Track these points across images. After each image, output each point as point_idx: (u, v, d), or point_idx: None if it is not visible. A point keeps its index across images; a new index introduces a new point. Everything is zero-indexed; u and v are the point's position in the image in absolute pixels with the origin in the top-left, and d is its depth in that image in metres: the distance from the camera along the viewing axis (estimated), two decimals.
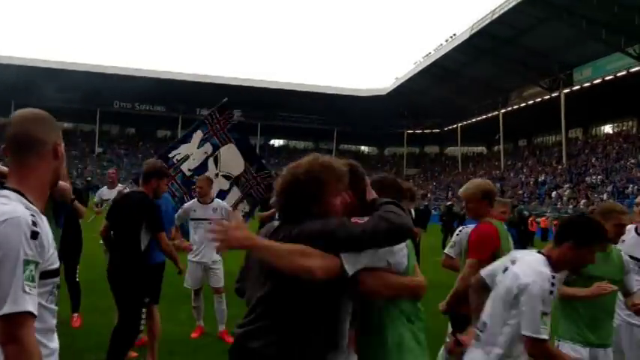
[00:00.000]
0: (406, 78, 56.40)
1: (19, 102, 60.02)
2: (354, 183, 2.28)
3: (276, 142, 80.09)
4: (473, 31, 42.14)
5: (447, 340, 3.79)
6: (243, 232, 1.98)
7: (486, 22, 40.10)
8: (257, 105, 64.21)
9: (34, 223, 1.65)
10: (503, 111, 52.30)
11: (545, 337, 2.56)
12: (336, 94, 61.99)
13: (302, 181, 2.16)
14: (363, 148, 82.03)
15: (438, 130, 69.28)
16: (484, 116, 56.51)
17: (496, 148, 59.11)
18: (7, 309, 1.53)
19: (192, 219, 6.31)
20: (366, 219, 2.11)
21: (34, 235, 1.63)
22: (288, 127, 70.89)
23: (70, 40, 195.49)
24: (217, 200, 6.54)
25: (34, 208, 1.72)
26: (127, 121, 69.88)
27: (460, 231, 4.67)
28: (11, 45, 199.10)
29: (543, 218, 29.34)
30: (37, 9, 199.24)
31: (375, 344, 2.24)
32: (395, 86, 59.16)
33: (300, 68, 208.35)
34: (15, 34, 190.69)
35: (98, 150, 64.00)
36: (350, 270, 2.04)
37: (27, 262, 1.59)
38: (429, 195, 52.21)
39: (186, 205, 6.51)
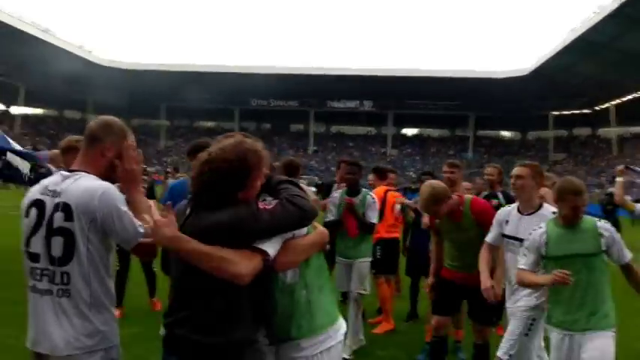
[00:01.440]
0: (549, 56, 51.54)
1: (168, 105, 66.12)
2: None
3: (409, 132, 78.29)
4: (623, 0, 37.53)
5: None
6: (171, 230, 2.03)
7: None
8: (387, 94, 63.29)
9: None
10: None
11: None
12: (471, 78, 58.61)
13: (231, 167, 2.08)
14: (503, 133, 76.88)
15: (588, 111, 62.74)
16: None
17: None
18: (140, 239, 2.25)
19: None
20: (271, 202, 2.12)
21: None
22: (420, 115, 68.89)
23: (209, 45, 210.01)
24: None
25: None
26: (263, 117, 73.07)
27: None
28: (155, 53, 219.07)
29: None
30: (174, 17, 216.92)
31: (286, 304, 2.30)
32: (537, 66, 54.42)
33: (431, 54, 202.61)
34: (158, 43, 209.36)
35: None
36: (272, 255, 2.09)
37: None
38: None
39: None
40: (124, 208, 2.24)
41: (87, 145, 2.37)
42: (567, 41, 47.67)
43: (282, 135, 72.80)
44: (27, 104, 63.52)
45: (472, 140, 67.34)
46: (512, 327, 3.87)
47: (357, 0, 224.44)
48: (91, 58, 58.81)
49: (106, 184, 2.26)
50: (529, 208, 3.96)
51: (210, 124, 76.54)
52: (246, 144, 2.16)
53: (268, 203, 2.10)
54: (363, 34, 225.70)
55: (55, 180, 2.31)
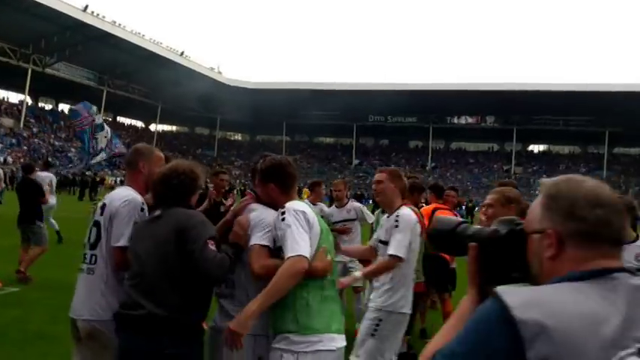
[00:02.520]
0: None
1: (288, 122, 68.54)
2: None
3: (536, 148, 73.79)
4: None
5: None
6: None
7: None
8: (511, 109, 60.32)
9: (143, 203, 2.90)
10: None
11: None
12: (606, 92, 53.70)
13: (184, 177, 2.76)
14: None
15: None
16: None
17: None
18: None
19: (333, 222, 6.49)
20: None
21: (142, 209, 2.87)
22: (548, 131, 64.65)
23: (328, 63, 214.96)
24: (352, 202, 6.93)
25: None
26: (380, 133, 73.03)
27: None
28: (278, 72, 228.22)
29: None
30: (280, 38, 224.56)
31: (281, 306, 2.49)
32: None
33: (559, 66, 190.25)
34: (282, 62, 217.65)
35: (355, 162, 68.09)
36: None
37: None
38: None
39: (326, 210, 6.80)
40: (131, 214, 2.84)
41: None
42: None
43: (400, 151, 72.19)
44: (162, 122, 69.26)
45: (607, 157, 61.80)
46: (361, 327, 3.82)
47: (479, 14, 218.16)
48: (220, 79, 62.81)
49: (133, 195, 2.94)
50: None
51: (328, 140, 78.12)
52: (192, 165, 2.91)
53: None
54: (483, 48, 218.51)
55: None
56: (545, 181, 1.19)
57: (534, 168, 66.02)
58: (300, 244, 2.45)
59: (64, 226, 11.53)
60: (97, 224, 2.89)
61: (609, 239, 1.06)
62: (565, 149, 71.38)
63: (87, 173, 38.10)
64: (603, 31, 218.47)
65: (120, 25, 49.80)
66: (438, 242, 1.49)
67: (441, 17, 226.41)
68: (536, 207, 1.14)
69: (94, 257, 2.84)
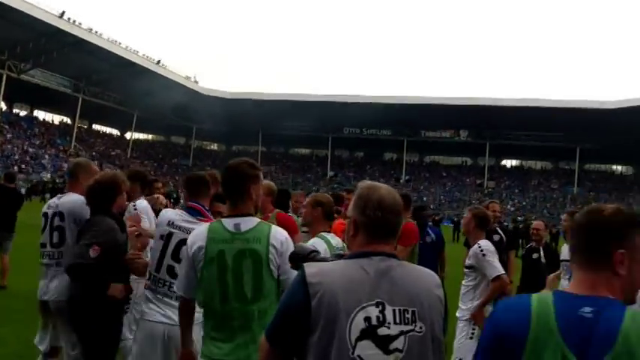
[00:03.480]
0: None
1: (264, 132, 68.80)
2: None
3: (509, 163, 75.13)
4: None
5: None
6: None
7: None
8: (484, 124, 61.26)
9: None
10: None
11: None
12: (579, 108, 54.79)
13: (105, 187, 3.44)
14: (615, 167, 71.36)
15: None
16: None
17: None
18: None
19: None
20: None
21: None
22: (521, 146, 65.54)
23: (305, 74, 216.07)
24: None
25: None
26: (355, 145, 73.62)
27: None
28: (254, 82, 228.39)
29: None
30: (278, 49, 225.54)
31: None
32: None
33: (532, 82, 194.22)
34: (257, 73, 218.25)
35: (330, 173, 68.59)
36: None
37: None
38: None
39: None
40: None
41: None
42: None
43: (374, 163, 72.79)
44: (138, 130, 68.91)
45: (578, 173, 63.20)
46: (457, 332, 4.72)
47: (452, 29, 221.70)
48: (196, 88, 62.82)
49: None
50: None
51: (304, 151, 78.45)
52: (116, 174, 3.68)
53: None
54: (457, 62, 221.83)
55: None
56: (360, 184, 1.83)
57: (507, 183, 67.22)
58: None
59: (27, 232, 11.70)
60: (59, 228, 3.68)
61: (382, 232, 1.69)
62: (538, 164, 72.47)
63: (57, 181, 37.87)
64: (577, 48, 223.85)
65: (96, 32, 49.68)
66: (295, 263, 2.16)
67: (418, 30, 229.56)
68: (352, 201, 1.77)
69: (60, 254, 3.65)
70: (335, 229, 4.02)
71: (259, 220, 2.57)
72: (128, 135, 70.73)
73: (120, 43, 52.53)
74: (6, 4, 40.11)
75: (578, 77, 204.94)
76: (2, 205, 8.20)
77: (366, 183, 1.79)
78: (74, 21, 47.21)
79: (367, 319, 1.56)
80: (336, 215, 4.32)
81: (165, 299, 3.04)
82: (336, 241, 3.65)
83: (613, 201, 56.46)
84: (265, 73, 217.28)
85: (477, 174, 68.46)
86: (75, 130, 58.36)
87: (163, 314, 3.03)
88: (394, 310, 1.58)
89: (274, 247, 2.45)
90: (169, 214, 3.22)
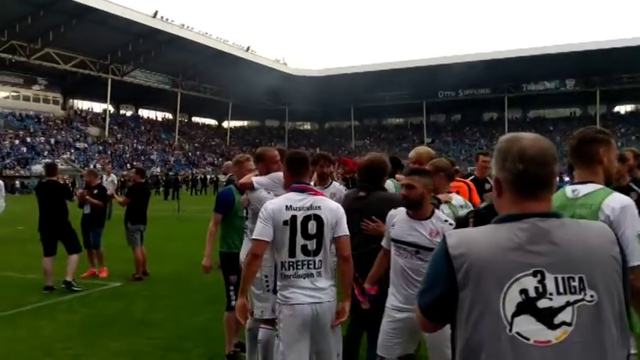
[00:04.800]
0: None
1: (356, 107, 68.30)
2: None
3: (622, 109, 69.03)
4: None
5: None
6: None
7: None
8: (592, 70, 56.60)
9: None
10: None
11: None
12: None
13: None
14: None
15: None
16: None
17: None
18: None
19: None
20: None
21: None
22: (635, 90, 59.97)
23: (390, 43, 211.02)
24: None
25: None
26: (451, 108, 71.10)
27: None
28: (342, 57, 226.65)
29: None
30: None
31: None
32: None
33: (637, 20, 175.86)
34: (343, 47, 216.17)
35: (427, 140, 66.84)
36: None
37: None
38: None
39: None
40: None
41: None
42: None
43: (473, 125, 70.00)
44: (234, 118, 71.19)
45: None
46: None
47: None
48: (285, 70, 63.55)
49: None
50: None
51: (397, 120, 77.11)
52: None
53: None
54: (554, 9, 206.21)
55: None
56: (501, 137, 1.55)
57: (622, 130, 61.88)
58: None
59: (152, 224, 12.18)
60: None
61: (530, 187, 1.42)
62: None
63: (169, 173, 39.93)
64: None
65: (188, 27, 51.55)
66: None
67: None
68: (493, 158, 1.52)
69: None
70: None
71: (601, 186, 2.44)
72: (225, 124, 73.34)
73: (210, 35, 54.22)
74: (103, 11, 42.64)
75: None
76: (138, 200, 8.51)
77: (506, 135, 1.52)
78: (167, 19, 49.26)
79: (524, 291, 1.34)
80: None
81: (308, 279, 3.08)
82: (456, 200, 3.79)
83: None
84: (352, 47, 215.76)
85: (588, 124, 62.53)
86: (177, 125, 61.37)
87: (309, 295, 3.06)
88: (556, 279, 1.35)
89: (604, 213, 2.32)
90: (279, 200, 3.21)
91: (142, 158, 51.81)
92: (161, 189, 35.09)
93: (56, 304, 6.63)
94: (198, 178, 42.31)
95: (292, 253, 3.08)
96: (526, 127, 67.61)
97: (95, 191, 8.49)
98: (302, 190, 3.20)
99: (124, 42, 48.92)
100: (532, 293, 1.33)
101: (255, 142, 70.27)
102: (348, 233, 3.18)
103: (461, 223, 2.47)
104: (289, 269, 3.08)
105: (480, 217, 2.16)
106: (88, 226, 8.44)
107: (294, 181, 3.26)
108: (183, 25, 51.05)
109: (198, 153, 60.58)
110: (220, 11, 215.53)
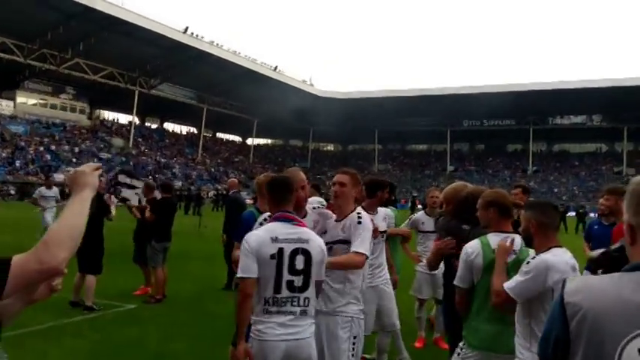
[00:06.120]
0: None
1: (380, 130, 68.11)
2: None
3: None
4: None
5: None
6: None
7: None
8: (621, 106, 55.78)
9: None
10: None
11: None
12: None
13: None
14: None
15: None
16: None
17: None
18: None
19: (420, 231, 6.14)
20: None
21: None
22: None
23: (417, 69, 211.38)
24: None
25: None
26: (476, 138, 70.52)
27: None
28: (367, 81, 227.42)
29: None
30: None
31: None
32: None
33: None
34: (371, 71, 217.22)
35: (450, 168, 66.21)
36: None
37: None
38: None
39: (414, 217, 6.33)
40: None
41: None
42: None
43: (497, 156, 69.23)
44: (258, 135, 71.51)
45: None
46: None
47: (573, 7, 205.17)
48: (312, 91, 63.81)
49: None
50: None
51: (421, 146, 76.68)
52: None
53: None
54: (583, 43, 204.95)
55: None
56: (633, 179, 1.35)
57: None
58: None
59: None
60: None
61: None
62: None
63: (191, 188, 39.97)
64: None
65: (217, 44, 52.11)
66: None
67: (533, 14, 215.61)
68: (625, 201, 1.34)
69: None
70: None
71: None
72: (249, 141, 73.68)
73: (239, 53, 54.68)
74: (134, 24, 43.33)
75: None
76: (164, 215, 8.19)
77: (638, 177, 1.33)
78: (197, 35, 49.87)
79: None
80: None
81: (289, 316, 2.91)
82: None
83: None
84: (377, 71, 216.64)
85: (615, 161, 62.51)
86: (201, 140, 61.77)
87: (285, 332, 2.89)
88: None
89: None
90: (262, 232, 2.98)
91: (165, 171, 52.08)
92: (182, 203, 35.01)
93: (65, 327, 6.29)
94: (220, 194, 42.19)
95: (278, 289, 2.88)
96: (550, 160, 66.72)
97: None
98: (287, 220, 2.98)
99: (153, 55, 49.57)
100: None
101: (278, 160, 70.35)
102: (324, 279, 3.09)
103: (593, 264, 2.26)
104: (273, 305, 2.88)
105: (612, 260, 1.95)
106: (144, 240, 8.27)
107: (278, 209, 3.03)
108: (212, 42, 51.66)
109: (221, 169, 60.78)
110: (251, 31, 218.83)
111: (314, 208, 3.81)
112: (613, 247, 1.96)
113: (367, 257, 3.44)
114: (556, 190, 57.21)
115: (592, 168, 63.13)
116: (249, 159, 67.99)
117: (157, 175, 48.49)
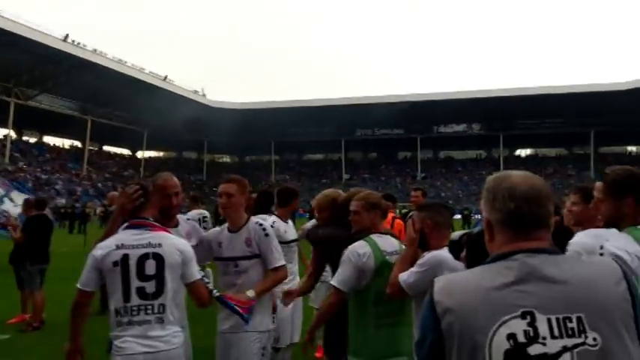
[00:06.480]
0: None
1: (277, 141, 68.43)
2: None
3: (523, 152, 74.36)
4: None
5: None
6: None
7: None
8: (496, 116, 60.73)
9: None
10: None
11: None
12: (588, 92, 54.31)
13: None
14: (630, 148, 70.61)
15: None
16: None
17: None
18: None
19: None
20: None
21: None
22: (534, 135, 65.30)
23: (313, 79, 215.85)
24: None
25: None
26: (369, 146, 73.17)
27: None
28: (262, 91, 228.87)
29: None
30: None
31: None
32: None
33: (535, 70, 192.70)
34: (264, 81, 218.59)
35: (345, 177, 67.99)
36: None
37: None
38: None
39: (305, 226, 5.92)
40: None
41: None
42: None
43: (389, 163, 72.29)
44: (149, 148, 68.77)
45: (594, 157, 62.28)
46: None
47: (454, 24, 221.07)
48: (205, 102, 62.54)
49: None
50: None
51: (317, 156, 78.06)
52: None
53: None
54: (465, 56, 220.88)
55: None
56: (489, 177, 1.44)
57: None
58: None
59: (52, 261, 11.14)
60: None
61: (522, 226, 1.30)
62: (552, 151, 71.89)
63: (76, 205, 37.48)
64: (581, 32, 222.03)
65: (100, 52, 49.50)
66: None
67: (423, 27, 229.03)
68: (482, 199, 1.40)
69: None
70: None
71: None
72: (139, 154, 70.59)
73: (125, 62, 52.36)
74: (9, 31, 39.97)
75: (585, 62, 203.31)
76: (37, 235, 7.54)
77: (494, 174, 1.41)
78: (78, 43, 47.05)
79: (511, 336, 1.19)
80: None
81: (144, 326, 2.73)
82: (389, 243, 3.24)
83: None
84: (269, 82, 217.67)
85: (493, 166, 67.68)
86: (86, 153, 58.17)
87: (143, 344, 2.72)
88: (549, 320, 1.19)
89: None
90: (110, 241, 2.85)
91: (46, 188, 48.35)
92: (66, 222, 32.77)
93: None
94: (108, 210, 39.99)
95: (127, 298, 2.74)
96: (437, 166, 70.85)
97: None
98: (139, 227, 2.86)
99: (29, 64, 45.93)
100: (521, 338, 1.17)
101: (171, 173, 68.00)
102: (198, 277, 2.91)
103: (454, 246, 2.22)
104: (125, 315, 2.73)
105: (472, 242, 1.95)
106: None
107: (134, 216, 2.93)
108: (95, 50, 48.99)
109: (109, 184, 57.54)
110: (137, 39, 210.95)
111: (187, 219, 3.70)
112: (475, 229, 2.03)
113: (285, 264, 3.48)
114: (443, 194, 60.68)
115: (474, 173, 67.87)
116: (140, 173, 65.12)
117: (38, 193, 45.00)
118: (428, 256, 2.80)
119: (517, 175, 1.34)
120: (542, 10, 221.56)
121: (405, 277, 2.80)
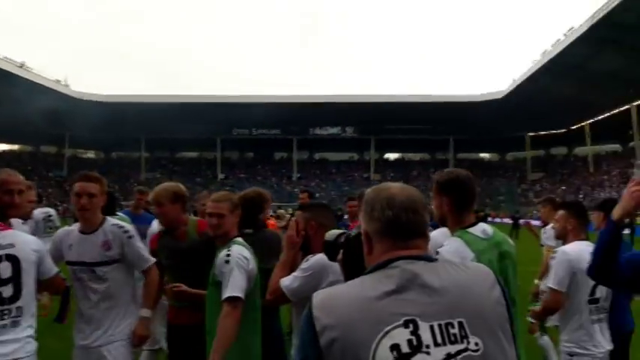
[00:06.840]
0: (524, 78, 52.11)
1: (147, 137, 65.32)
2: None
3: (391, 156, 78.86)
4: (594, 21, 38.31)
5: None
6: None
7: (607, 10, 36.19)
8: (368, 120, 63.62)
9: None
10: (636, 103, 47.95)
11: None
12: (449, 102, 59.27)
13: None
14: (482, 155, 78.17)
15: (564, 130, 64.29)
16: (615, 111, 52.15)
17: (631, 144, 53.72)
18: None
19: None
20: None
21: None
22: (401, 140, 69.48)
23: (191, 74, 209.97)
24: None
25: None
26: (246, 146, 72.73)
27: None
28: (135, 84, 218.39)
29: None
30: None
31: None
32: (512, 88, 55.17)
33: (409, 79, 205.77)
34: (137, 74, 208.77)
35: (221, 176, 66.97)
36: None
37: None
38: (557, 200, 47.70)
39: None
40: None
41: None
42: (540, 64, 48.23)
43: (265, 163, 72.44)
44: (1, 141, 62.08)
45: (452, 163, 67.86)
46: None
47: (331, 28, 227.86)
48: (67, 92, 57.75)
49: None
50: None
51: (192, 154, 75.85)
52: None
53: None
54: (343, 61, 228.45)
55: None
56: (367, 189, 1.48)
57: (391, 175, 70.23)
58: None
59: None
60: None
61: (400, 235, 1.32)
62: (417, 156, 76.78)
63: None
64: (450, 44, 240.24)
65: None
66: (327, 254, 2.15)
67: (299, 29, 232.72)
68: (361, 212, 1.41)
69: None
70: None
71: None
72: None
73: None
74: None
75: (452, 73, 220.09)
76: None
77: (373, 186, 1.46)
78: None
79: (395, 347, 1.16)
80: None
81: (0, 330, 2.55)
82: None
83: (483, 185, 62.06)
84: (144, 75, 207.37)
85: (364, 168, 70.90)
86: None
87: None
88: (432, 327, 1.19)
89: None
90: None
91: None
92: None
93: None
94: None
95: None
96: (312, 167, 72.46)
97: None
98: None
99: None
100: (405, 348, 1.16)
101: (27, 169, 62.03)
102: (56, 270, 2.84)
103: (329, 247, 2.13)
104: None
105: (352, 245, 1.84)
106: None
107: None
108: None
109: None
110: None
111: (23, 223, 3.48)
112: (354, 231, 2.04)
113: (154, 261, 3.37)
114: (318, 195, 62.10)
115: (347, 174, 70.50)
116: None
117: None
118: (312, 259, 2.61)
119: (395, 186, 1.40)
120: (421, 22, 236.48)
121: (287, 282, 2.60)
